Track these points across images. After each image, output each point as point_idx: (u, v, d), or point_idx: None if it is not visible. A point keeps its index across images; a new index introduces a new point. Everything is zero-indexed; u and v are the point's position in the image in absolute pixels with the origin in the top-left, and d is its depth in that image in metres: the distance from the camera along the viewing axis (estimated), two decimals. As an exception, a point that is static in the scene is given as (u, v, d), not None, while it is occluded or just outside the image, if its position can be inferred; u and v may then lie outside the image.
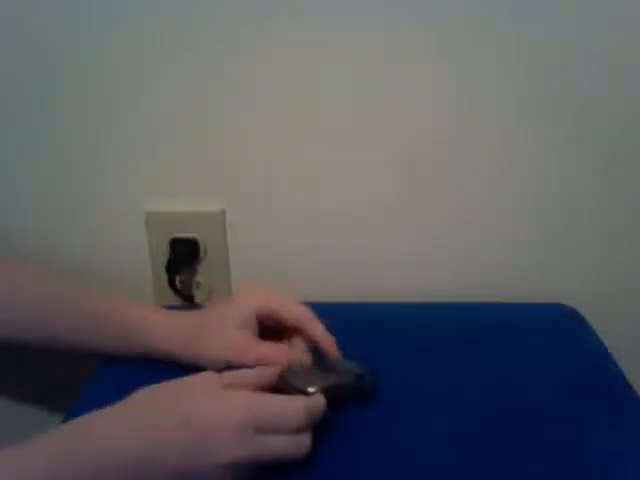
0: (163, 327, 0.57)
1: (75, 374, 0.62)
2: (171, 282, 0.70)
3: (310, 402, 0.46)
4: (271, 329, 0.57)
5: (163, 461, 0.41)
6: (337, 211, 0.69)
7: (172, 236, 0.70)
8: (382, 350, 0.59)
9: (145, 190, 0.70)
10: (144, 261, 0.72)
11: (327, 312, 0.56)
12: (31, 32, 0.64)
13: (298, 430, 0.44)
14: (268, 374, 0.49)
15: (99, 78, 0.65)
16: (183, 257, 0.70)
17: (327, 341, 0.54)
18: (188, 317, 0.59)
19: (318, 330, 0.54)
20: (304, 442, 0.44)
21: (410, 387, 0.54)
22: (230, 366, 0.51)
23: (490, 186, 0.67)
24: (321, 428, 0.47)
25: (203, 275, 0.72)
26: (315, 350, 0.55)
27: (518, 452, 0.48)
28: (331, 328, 0.55)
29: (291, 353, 0.55)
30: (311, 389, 0.48)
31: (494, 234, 0.69)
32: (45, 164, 0.69)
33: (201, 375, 0.47)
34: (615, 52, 0.61)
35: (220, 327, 0.56)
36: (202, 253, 0.71)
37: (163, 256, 0.70)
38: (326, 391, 0.48)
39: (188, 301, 0.72)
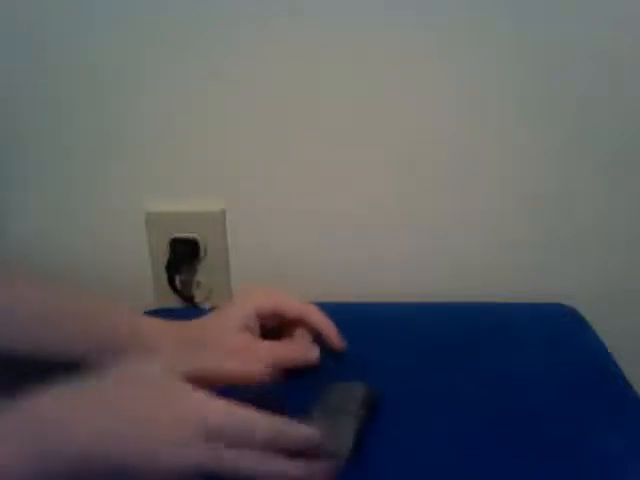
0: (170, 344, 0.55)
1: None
2: (171, 282, 0.70)
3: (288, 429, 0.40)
4: (271, 331, 0.57)
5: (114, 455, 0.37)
6: (337, 211, 0.69)
7: (172, 236, 0.70)
8: (382, 350, 0.59)
9: (145, 190, 0.70)
10: (144, 261, 0.72)
11: (327, 312, 0.56)
12: (31, 32, 0.64)
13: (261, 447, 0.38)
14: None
15: (99, 78, 0.65)
16: (183, 257, 0.70)
17: (329, 329, 0.54)
18: (190, 328, 0.57)
19: (320, 318, 0.55)
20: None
21: (410, 387, 0.54)
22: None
23: (490, 186, 0.67)
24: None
25: (203, 275, 0.72)
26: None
27: (518, 452, 0.47)
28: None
29: (296, 345, 0.55)
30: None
31: (494, 234, 0.69)
32: (45, 164, 0.69)
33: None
34: (615, 52, 0.61)
35: (221, 330, 0.55)
36: (202, 253, 0.71)
37: (163, 256, 0.70)
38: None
39: (188, 301, 0.72)
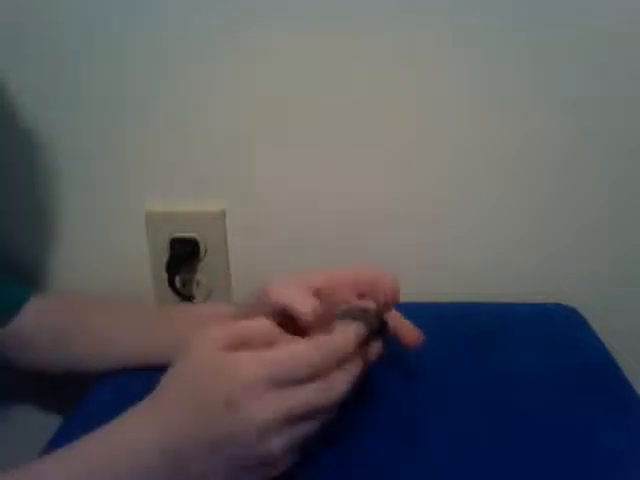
0: None
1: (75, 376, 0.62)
2: (171, 282, 0.70)
3: (323, 342, 0.41)
4: None
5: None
6: (337, 211, 0.69)
7: (172, 236, 0.70)
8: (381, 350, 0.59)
9: (145, 190, 0.70)
10: (144, 261, 0.72)
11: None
12: (31, 31, 0.64)
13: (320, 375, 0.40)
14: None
15: (98, 79, 0.65)
16: (183, 257, 0.70)
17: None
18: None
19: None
20: (334, 389, 0.40)
21: (409, 387, 0.54)
22: None
23: (490, 186, 0.67)
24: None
25: (203, 275, 0.72)
26: None
27: (518, 452, 0.47)
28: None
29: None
30: None
31: (494, 234, 0.69)
32: (45, 164, 0.69)
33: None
34: (618, 52, 0.61)
35: None
36: (202, 253, 0.71)
37: (163, 256, 0.70)
38: None
39: (188, 301, 0.72)
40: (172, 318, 0.61)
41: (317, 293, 0.48)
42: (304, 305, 0.46)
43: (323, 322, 0.46)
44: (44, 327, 0.58)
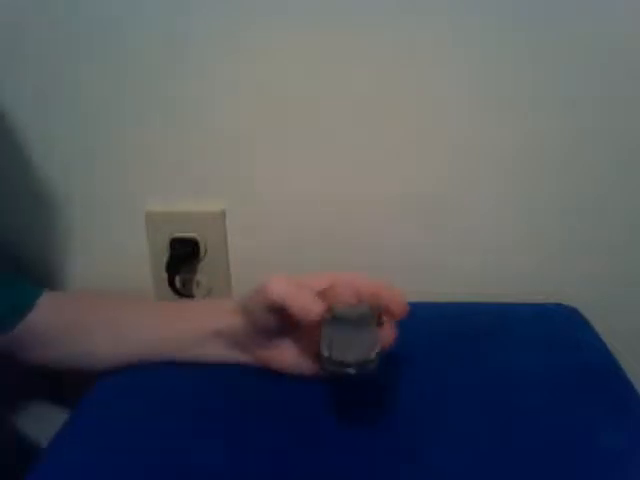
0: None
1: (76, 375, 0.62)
2: (171, 282, 0.70)
3: None
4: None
5: None
6: (337, 211, 0.69)
7: (172, 236, 0.70)
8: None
9: (145, 190, 0.70)
10: (144, 261, 0.72)
11: (327, 312, 0.56)
12: (31, 31, 0.64)
13: None
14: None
15: (98, 79, 0.65)
16: (183, 257, 0.70)
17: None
18: None
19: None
20: None
21: (409, 387, 0.54)
22: None
23: (490, 186, 0.67)
24: (321, 428, 0.47)
25: (203, 275, 0.72)
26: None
27: (517, 452, 0.47)
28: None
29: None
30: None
31: (494, 234, 0.69)
32: (45, 164, 0.69)
33: None
34: (618, 52, 0.61)
35: None
36: (202, 253, 0.71)
37: (163, 256, 0.70)
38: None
39: (188, 301, 0.72)
40: (183, 310, 0.61)
41: (319, 295, 0.49)
42: (309, 305, 0.48)
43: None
44: (57, 323, 0.58)
